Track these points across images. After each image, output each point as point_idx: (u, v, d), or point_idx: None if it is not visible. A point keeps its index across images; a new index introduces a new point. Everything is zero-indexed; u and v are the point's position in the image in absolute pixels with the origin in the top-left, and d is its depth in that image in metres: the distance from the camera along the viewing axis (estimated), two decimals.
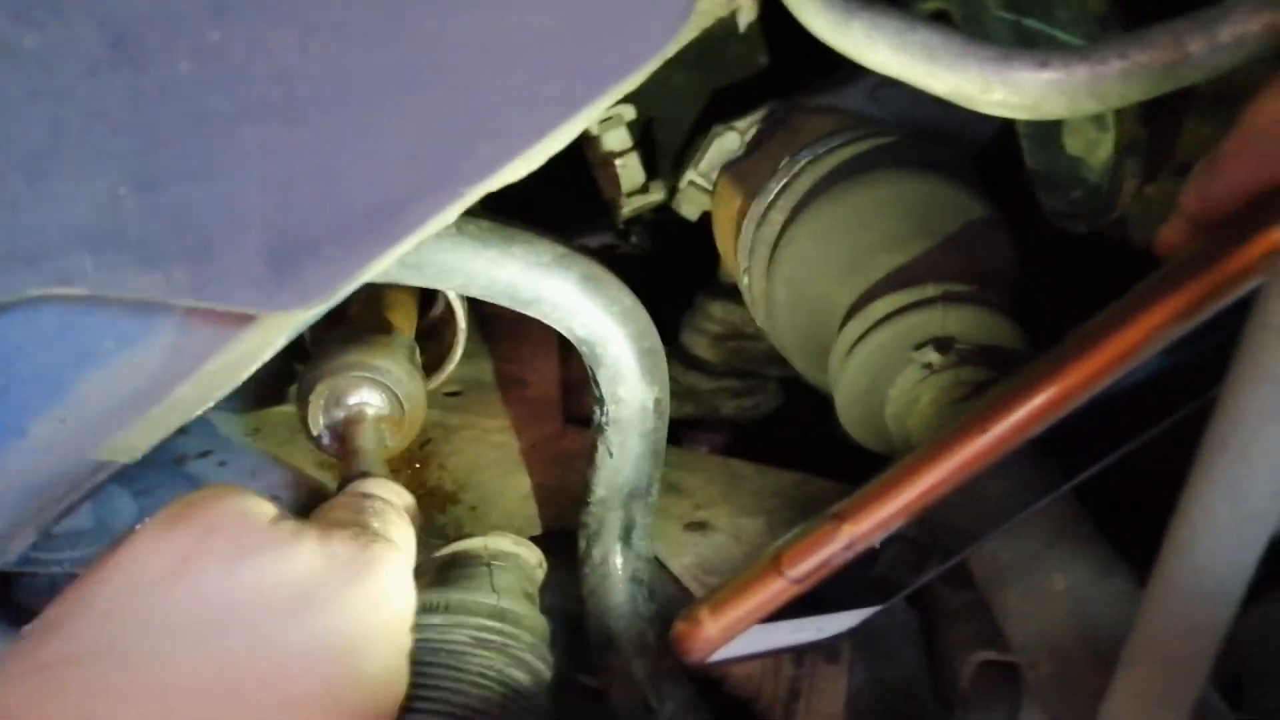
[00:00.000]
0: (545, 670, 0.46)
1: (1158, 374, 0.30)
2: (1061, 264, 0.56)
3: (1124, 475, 0.37)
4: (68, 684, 0.31)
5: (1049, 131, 0.50)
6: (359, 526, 0.40)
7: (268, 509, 0.38)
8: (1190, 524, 0.24)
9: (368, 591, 0.37)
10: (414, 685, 0.39)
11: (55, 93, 0.31)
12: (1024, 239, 0.53)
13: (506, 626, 0.45)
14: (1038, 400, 0.30)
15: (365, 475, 0.47)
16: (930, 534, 0.41)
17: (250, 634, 0.33)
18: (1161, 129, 0.47)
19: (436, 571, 0.47)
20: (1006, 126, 0.55)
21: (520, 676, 0.44)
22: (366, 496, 0.44)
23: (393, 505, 0.44)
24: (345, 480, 0.47)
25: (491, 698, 0.41)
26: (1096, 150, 0.48)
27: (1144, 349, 0.27)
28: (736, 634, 0.37)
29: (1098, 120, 0.47)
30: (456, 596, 0.46)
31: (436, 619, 0.44)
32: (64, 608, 0.34)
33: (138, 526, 0.36)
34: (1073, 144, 0.49)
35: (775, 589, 0.35)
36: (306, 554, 0.36)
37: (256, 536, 0.36)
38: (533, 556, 0.51)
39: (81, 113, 0.31)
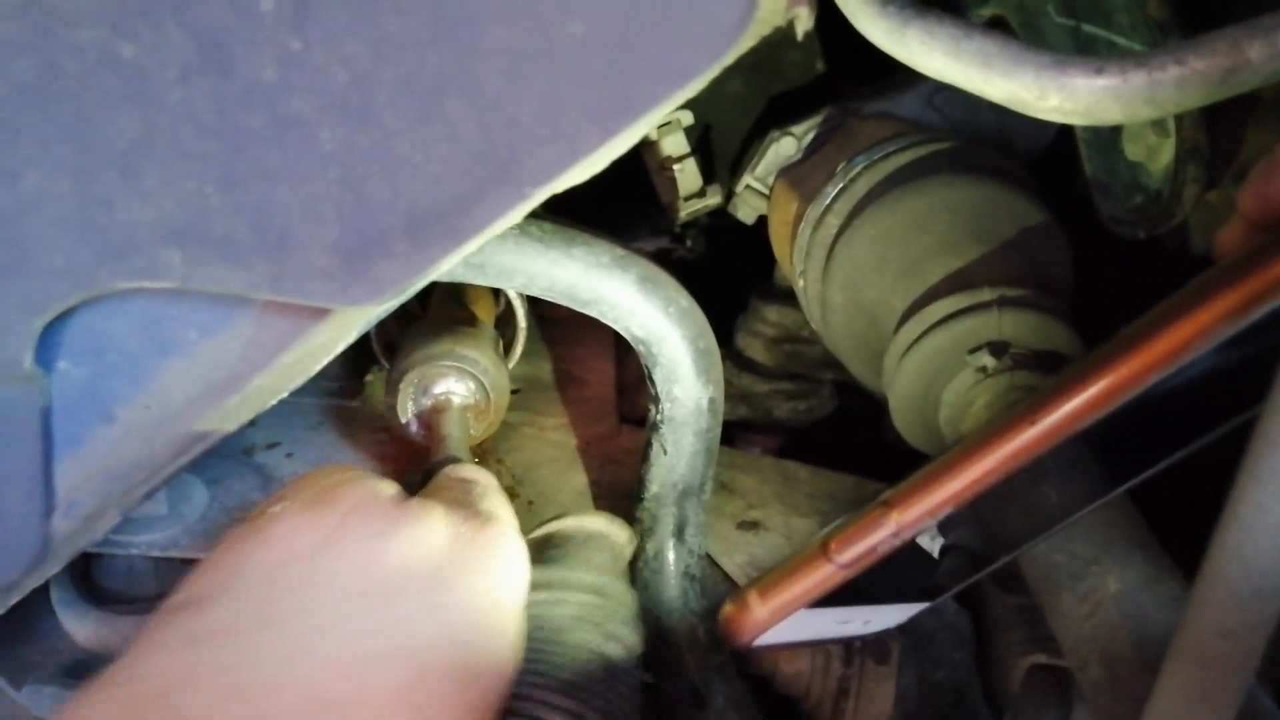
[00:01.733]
0: (638, 643, 0.48)
1: (1212, 375, 0.30)
2: (1119, 270, 0.56)
3: (1178, 479, 0.37)
4: (226, 653, 0.33)
5: (1109, 137, 0.50)
6: (471, 507, 0.41)
7: (393, 489, 0.40)
8: (1239, 522, 0.24)
9: (491, 570, 0.38)
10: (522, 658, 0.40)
11: (148, 98, 0.32)
12: (1081, 244, 0.53)
13: (604, 602, 0.47)
14: (1087, 393, 0.30)
15: (454, 460, 0.49)
16: (989, 544, 0.41)
17: (391, 610, 0.35)
18: (1223, 135, 0.47)
19: (534, 550, 0.48)
20: (1064, 132, 0.55)
21: (614, 649, 0.45)
22: (464, 480, 0.45)
23: (491, 486, 0.45)
24: (432, 466, 0.49)
25: (586, 672, 0.43)
26: (1157, 156, 0.48)
27: (1195, 346, 0.27)
28: (784, 617, 0.37)
29: (1158, 126, 0.47)
30: (557, 574, 0.47)
31: (540, 595, 0.45)
32: (209, 581, 0.35)
33: (273, 509, 0.38)
34: (1133, 150, 0.49)
35: (823, 574, 0.36)
36: (436, 533, 0.38)
37: (391, 517, 0.38)
38: (623, 535, 0.52)
39: (172, 116, 0.33)
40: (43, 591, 0.54)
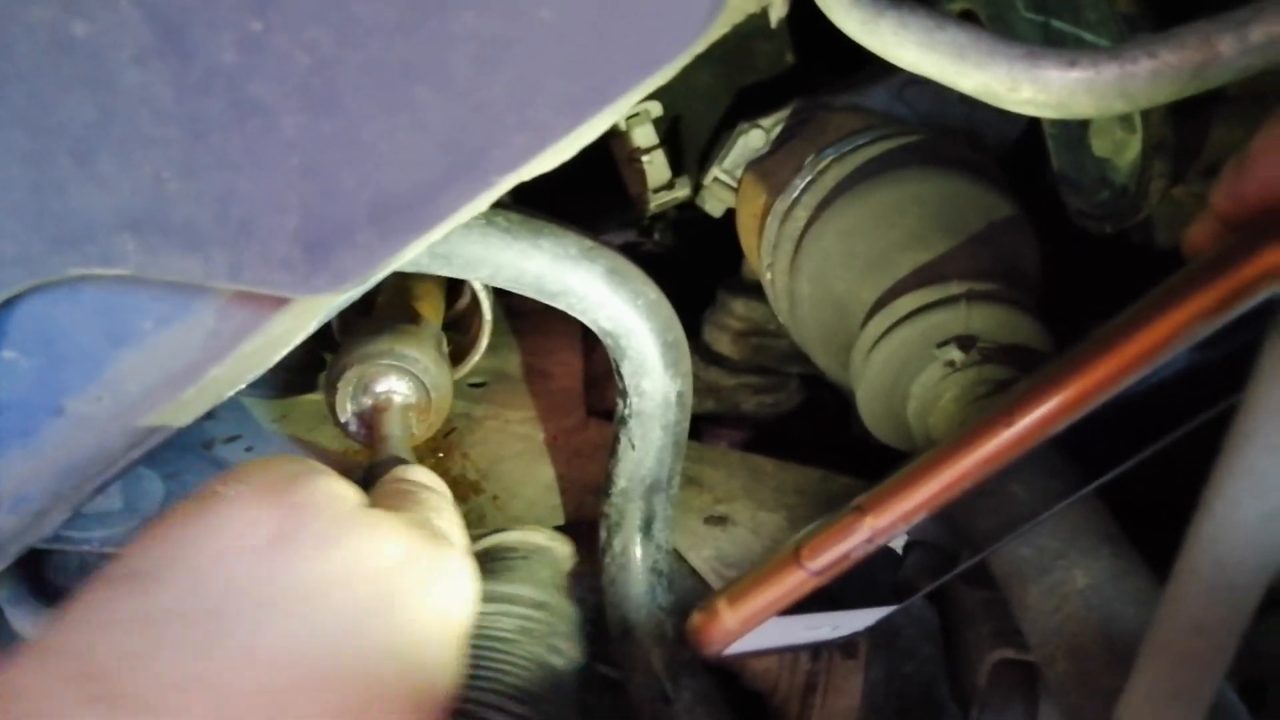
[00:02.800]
0: (579, 656, 0.48)
1: (1184, 373, 0.30)
2: (1085, 264, 0.56)
3: (1147, 475, 0.37)
4: (172, 640, 0.32)
5: (1076, 132, 0.50)
6: (427, 525, 0.40)
7: (352, 493, 0.39)
8: (1213, 517, 0.24)
9: (441, 592, 0.38)
10: (466, 668, 0.40)
11: (103, 80, 0.31)
12: (1048, 239, 0.53)
13: (546, 616, 0.47)
14: (1061, 397, 0.30)
15: (400, 461, 0.48)
16: (955, 539, 0.41)
17: (339, 618, 0.34)
18: (1189, 130, 0.47)
19: (479, 561, 0.48)
20: (1032, 127, 0.55)
21: (557, 661, 0.45)
22: (413, 485, 0.44)
23: (443, 498, 0.44)
24: (373, 466, 0.48)
25: (533, 681, 0.43)
26: (1124, 151, 0.48)
27: (1169, 347, 0.27)
28: (754, 626, 0.37)
29: (1125, 121, 0.47)
30: (501, 588, 0.47)
31: (488, 607, 0.45)
32: (156, 557, 0.34)
33: (223, 489, 0.36)
34: (1100, 145, 0.50)
35: (795, 580, 0.35)
36: (390, 546, 0.37)
37: (347, 521, 0.37)
38: (564, 550, 0.53)
39: (128, 100, 0.31)
40: None
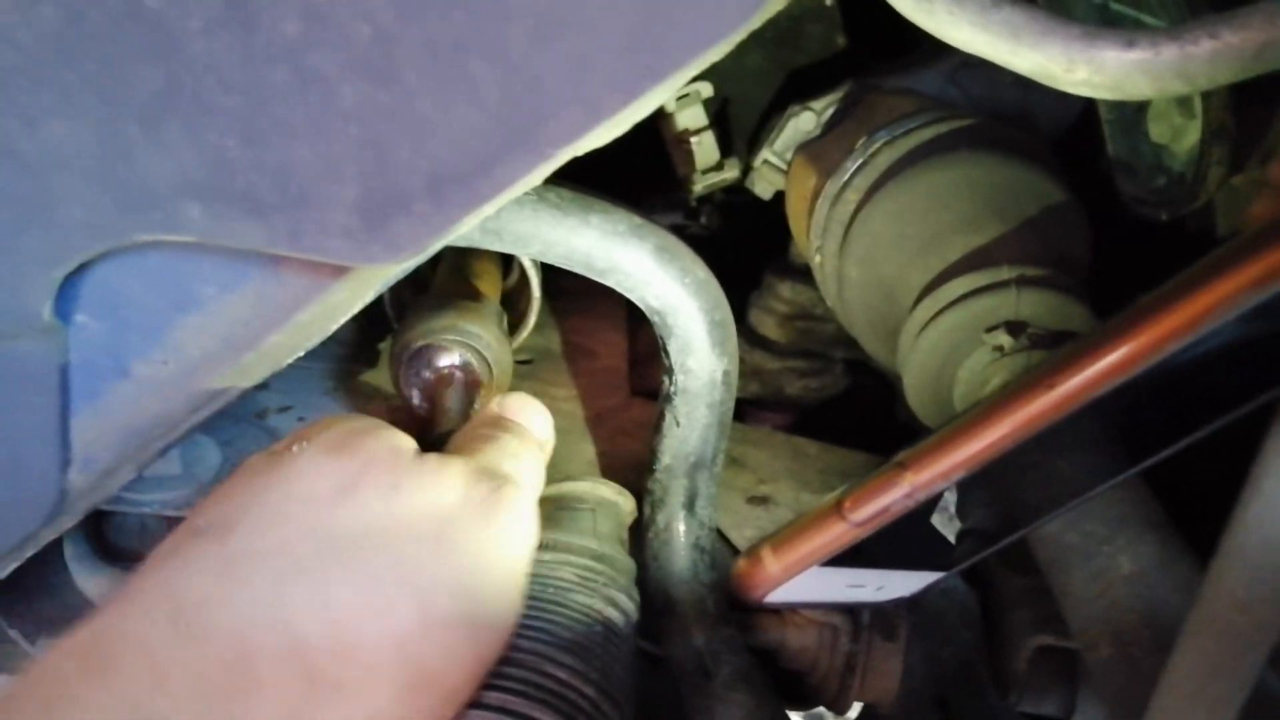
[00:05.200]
0: (635, 610, 0.48)
1: (1233, 352, 0.29)
2: (1140, 251, 0.56)
3: (1194, 464, 0.37)
4: (252, 577, 0.34)
5: (1133, 117, 0.49)
6: (488, 467, 0.42)
7: (411, 444, 0.41)
8: (1261, 495, 0.24)
9: (496, 532, 0.39)
10: (524, 615, 0.41)
11: (171, 49, 0.32)
12: (1102, 225, 0.53)
13: (605, 568, 0.47)
14: (1105, 360, 0.30)
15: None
16: (1003, 523, 0.41)
17: (400, 560, 0.36)
18: (1250, 117, 0.47)
19: (543, 508, 0.49)
20: (1088, 111, 0.54)
21: (614, 614, 0.46)
22: (495, 430, 0.46)
23: (523, 441, 0.46)
24: (436, 439, 0.49)
25: (590, 631, 0.43)
26: (1182, 137, 0.48)
27: (1214, 316, 0.27)
28: (797, 573, 0.38)
29: (1184, 106, 0.46)
30: (564, 538, 0.48)
31: (546, 555, 0.46)
32: (229, 508, 0.37)
33: (294, 447, 0.39)
34: (1157, 131, 0.49)
35: (837, 531, 0.36)
36: (450, 489, 0.39)
37: (405, 470, 0.39)
38: (628, 504, 0.53)
39: (195, 69, 0.32)
40: (56, 547, 0.54)
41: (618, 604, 0.47)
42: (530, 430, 0.47)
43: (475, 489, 0.39)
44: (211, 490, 0.39)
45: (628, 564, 0.50)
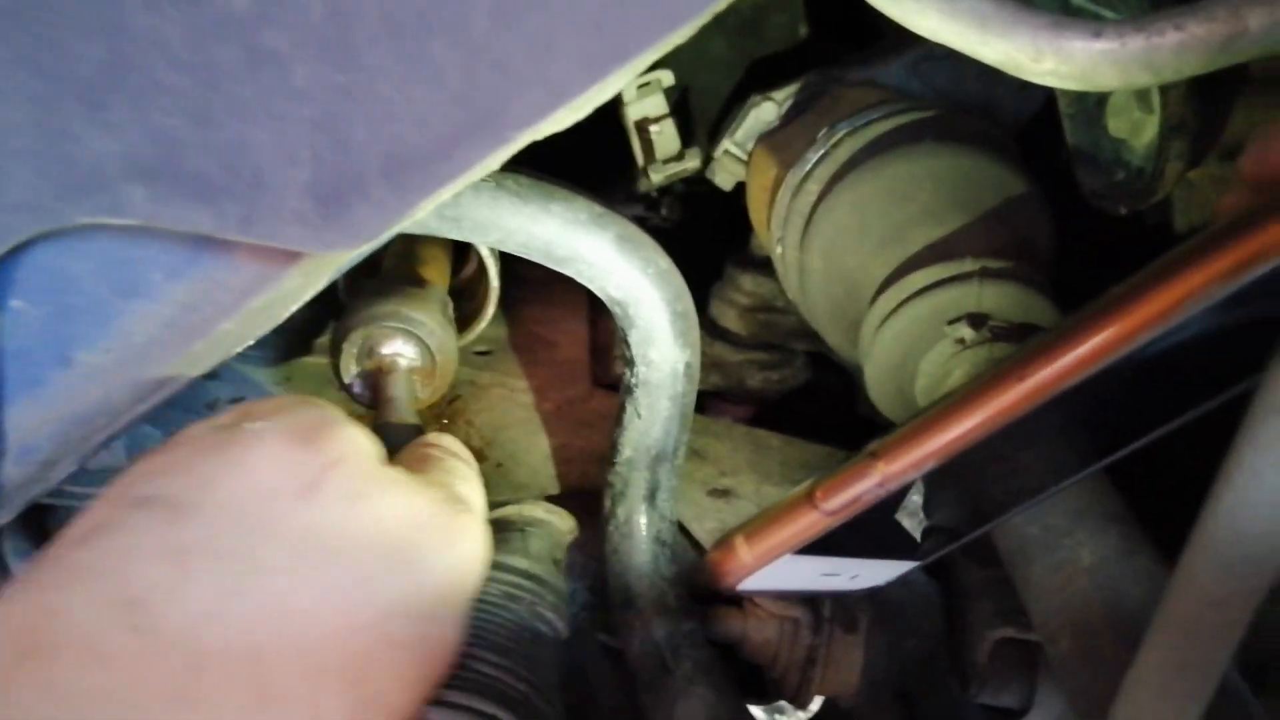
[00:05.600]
0: (563, 629, 0.48)
1: (1203, 345, 0.29)
2: (1099, 245, 0.56)
3: (1157, 455, 0.37)
4: (204, 574, 0.32)
5: (1092, 111, 0.50)
6: (448, 489, 0.41)
7: (377, 448, 0.39)
8: (1233, 489, 0.24)
9: (455, 558, 0.38)
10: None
11: (115, 25, 0.31)
12: (1063, 219, 0.53)
13: (534, 586, 0.47)
14: (1077, 350, 0.30)
15: (418, 429, 0.48)
16: (969, 518, 0.41)
17: (359, 572, 0.35)
18: (1209, 112, 0.47)
19: None
20: (1048, 105, 0.55)
21: (542, 628, 0.46)
22: (440, 451, 0.45)
23: (469, 465, 0.45)
24: (376, 429, 0.48)
25: (513, 639, 0.43)
26: (1141, 132, 0.48)
27: (1183, 307, 0.27)
28: (769, 561, 0.38)
29: (1143, 100, 0.47)
30: (496, 557, 0.47)
31: None
32: (182, 483, 0.34)
33: (250, 425, 0.36)
34: (1116, 125, 0.49)
35: (809, 520, 0.36)
36: (413, 507, 0.38)
37: (374, 478, 0.37)
38: (564, 524, 0.53)
39: (140, 45, 0.31)
40: None
41: (546, 620, 0.47)
42: (463, 455, 0.46)
43: (439, 511, 0.38)
44: (147, 455, 0.36)
45: (558, 585, 0.50)
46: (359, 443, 0.38)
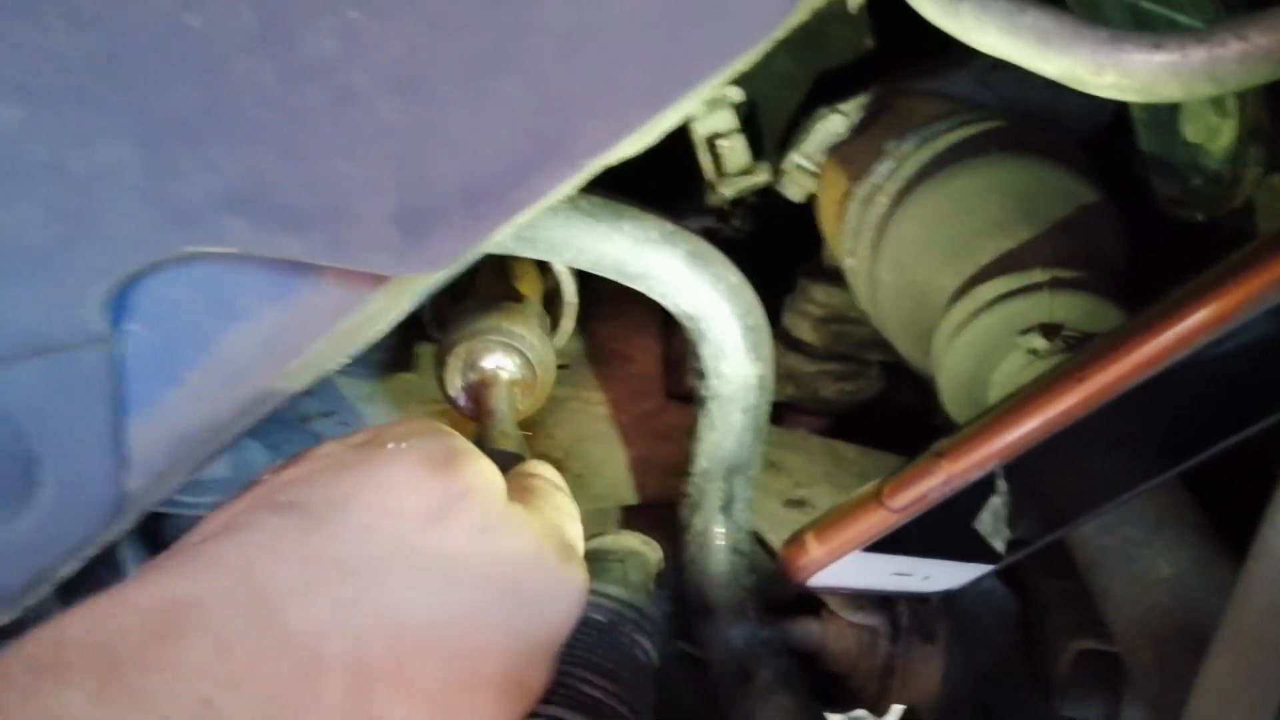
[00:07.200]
0: (657, 659, 0.49)
1: (1271, 354, 0.29)
2: (1176, 252, 0.55)
3: (1232, 464, 0.37)
4: (328, 583, 0.33)
5: (1166, 117, 0.49)
6: (559, 532, 0.41)
7: (502, 482, 0.40)
8: None
9: (555, 607, 0.38)
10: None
11: (213, 67, 0.33)
12: (1138, 226, 0.52)
13: (633, 615, 0.48)
14: (1135, 353, 0.30)
15: (518, 456, 0.49)
16: (1045, 526, 0.42)
17: (472, 605, 0.35)
18: None
19: None
20: (1119, 112, 0.54)
21: (640, 655, 0.47)
22: (545, 483, 0.45)
23: (571, 501, 0.45)
24: (481, 442, 0.49)
25: (618, 664, 0.44)
26: (1218, 137, 0.47)
27: (1245, 308, 0.27)
28: (838, 556, 0.39)
29: (1219, 105, 0.46)
30: (595, 585, 0.48)
31: None
32: (319, 491, 0.35)
33: (390, 444, 0.37)
34: (1192, 130, 0.48)
35: (876, 517, 0.37)
36: (529, 550, 0.38)
37: (498, 514, 0.38)
38: (655, 555, 0.54)
39: (236, 86, 0.34)
40: (114, 549, 0.55)
41: (643, 648, 0.48)
42: (560, 484, 0.46)
43: (551, 556, 0.39)
44: (284, 465, 0.37)
45: (654, 615, 0.51)
46: (488, 476, 0.39)
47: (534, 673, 0.37)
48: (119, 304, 0.38)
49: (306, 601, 0.32)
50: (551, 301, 0.69)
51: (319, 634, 0.32)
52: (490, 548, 0.36)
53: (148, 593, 0.31)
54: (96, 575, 0.45)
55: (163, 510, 0.49)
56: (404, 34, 0.33)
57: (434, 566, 0.35)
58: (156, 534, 0.57)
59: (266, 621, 0.31)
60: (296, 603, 0.32)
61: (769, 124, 0.66)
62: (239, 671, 0.30)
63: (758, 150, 0.65)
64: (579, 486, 0.62)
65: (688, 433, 0.55)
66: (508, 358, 0.57)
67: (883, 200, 0.55)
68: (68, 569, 0.44)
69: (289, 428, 0.60)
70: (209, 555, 0.33)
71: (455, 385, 0.58)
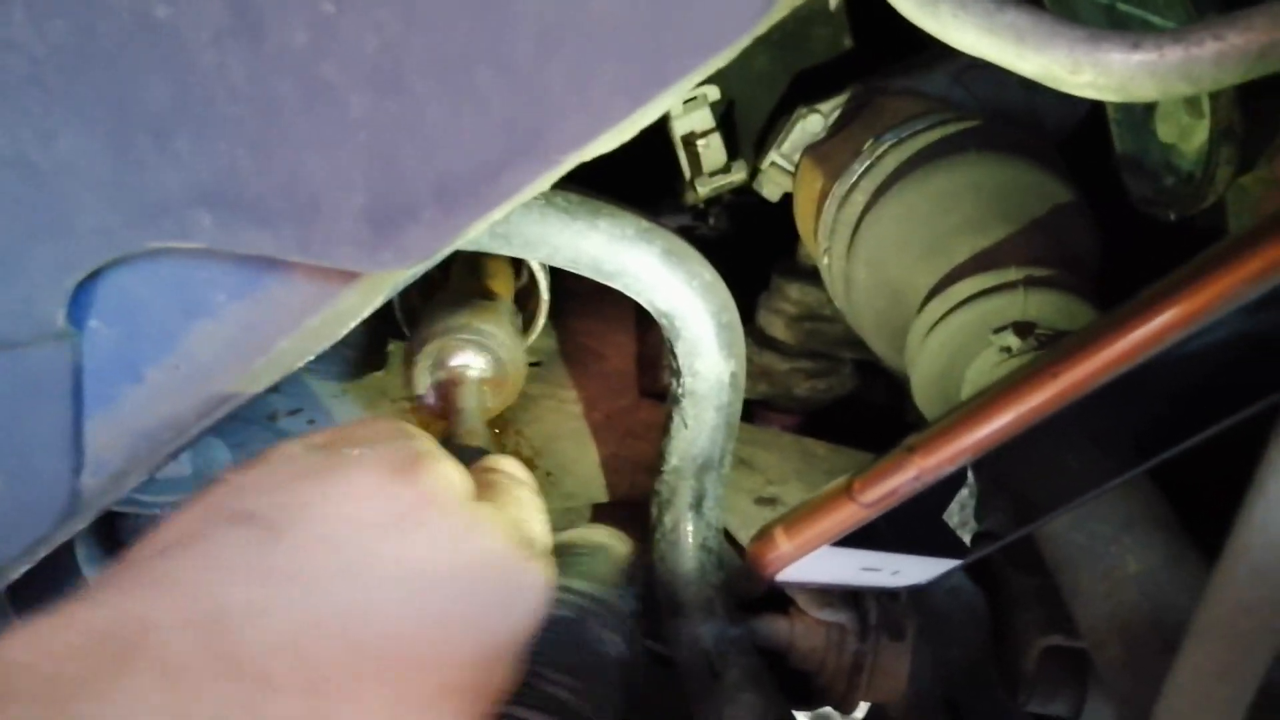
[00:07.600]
0: (624, 650, 0.49)
1: (1241, 350, 0.29)
2: (1149, 250, 0.55)
3: (1202, 459, 0.37)
4: (287, 599, 0.32)
5: (1140, 117, 0.49)
6: (521, 529, 0.41)
7: (467, 482, 0.39)
8: (1266, 496, 0.24)
9: (521, 608, 0.38)
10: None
11: (182, 60, 0.33)
12: (1111, 225, 0.53)
13: (599, 609, 0.48)
14: (1108, 348, 0.30)
15: (482, 451, 0.49)
16: (1014, 521, 0.42)
17: (435, 614, 0.35)
18: (1259, 116, 0.47)
19: None
20: (1095, 111, 0.54)
21: (607, 650, 0.47)
22: (508, 479, 0.44)
23: (535, 496, 0.45)
24: (448, 440, 0.49)
25: (580, 660, 0.44)
26: (1190, 137, 0.48)
27: (1218, 305, 0.27)
28: (807, 551, 0.39)
29: (1192, 106, 0.46)
30: (562, 581, 0.48)
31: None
32: (278, 501, 0.34)
33: (350, 449, 0.36)
34: (1165, 130, 0.49)
35: (846, 512, 0.37)
36: (494, 552, 0.38)
37: (460, 518, 0.37)
38: (623, 548, 0.54)
39: (205, 79, 0.33)
40: (69, 548, 0.55)
41: (609, 642, 0.48)
42: (525, 480, 0.46)
43: (513, 556, 0.38)
44: (242, 468, 0.36)
45: (620, 608, 0.51)
46: (451, 478, 0.38)
47: (497, 674, 0.37)
48: (80, 300, 0.37)
49: (262, 622, 0.31)
50: (525, 298, 0.69)
51: (270, 656, 0.31)
52: (453, 552, 0.36)
53: (97, 614, 0.30)
54: (49, 575, 0.44)
55: (120, 509, 0.49)
56: (377, 26, 0.32)
57: (396, 575, 0.34)
58: (112, 532, 0.56)
59: (218, 645, 0.30)
60: (252, 623, 0.31)
61: (746, 123, 0.66)
62: (186, 700, 0.29)
63: (734, 149, 0.65)
64: (550, 484, 0.62)
65: (660, 430, 0.55)
66: (477, 356, 0.57)
67: (859, 199, 0.55)
68: (20, 568, 0.43)
69: (254, 425, 0.60)
70: (162, 572, 0.32)
71: (424, 383, 0.57)
